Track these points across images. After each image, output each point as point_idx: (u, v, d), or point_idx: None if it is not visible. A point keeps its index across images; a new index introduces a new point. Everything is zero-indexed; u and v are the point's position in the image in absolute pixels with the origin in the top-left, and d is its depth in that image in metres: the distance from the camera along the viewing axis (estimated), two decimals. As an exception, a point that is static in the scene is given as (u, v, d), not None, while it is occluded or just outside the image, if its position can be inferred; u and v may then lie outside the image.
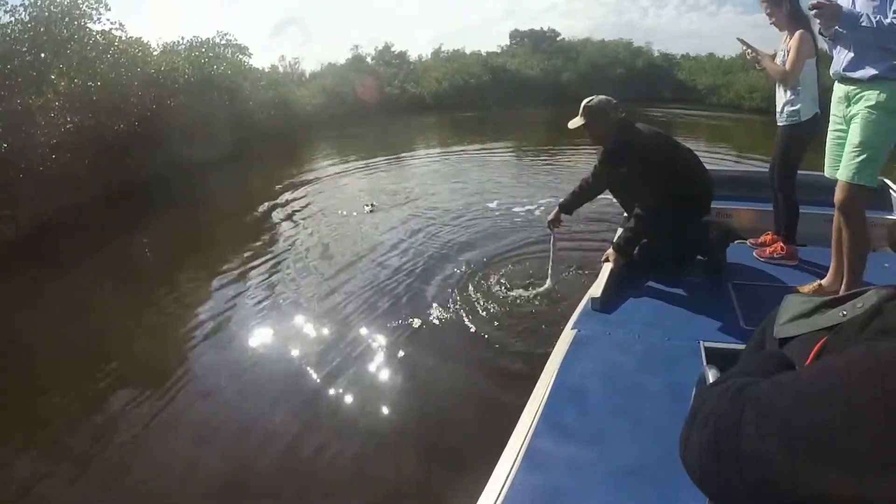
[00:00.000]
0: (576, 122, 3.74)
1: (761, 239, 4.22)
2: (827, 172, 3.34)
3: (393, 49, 33.77)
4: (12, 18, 10.25)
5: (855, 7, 2.85)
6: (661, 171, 3.46)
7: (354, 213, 8.38)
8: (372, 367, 4.19)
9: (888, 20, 2.73)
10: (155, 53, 14.78)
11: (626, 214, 3.97)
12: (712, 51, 34.74)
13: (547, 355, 2.74)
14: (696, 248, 3.80)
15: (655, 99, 29.23)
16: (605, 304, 3.19)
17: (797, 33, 3.73)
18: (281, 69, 28.04)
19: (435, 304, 4.94)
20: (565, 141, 13.90)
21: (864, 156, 2.96)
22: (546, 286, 4.91)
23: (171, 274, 6.50)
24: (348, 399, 3.86)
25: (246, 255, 6.82)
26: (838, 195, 3.10)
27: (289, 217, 8.64)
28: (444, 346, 4.38)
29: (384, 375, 4.10)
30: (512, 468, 1.90)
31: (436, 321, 4.70)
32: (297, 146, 17.61)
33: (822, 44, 3.30)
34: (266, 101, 19.00)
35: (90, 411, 3.94)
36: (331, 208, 8.90)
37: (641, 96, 27.85)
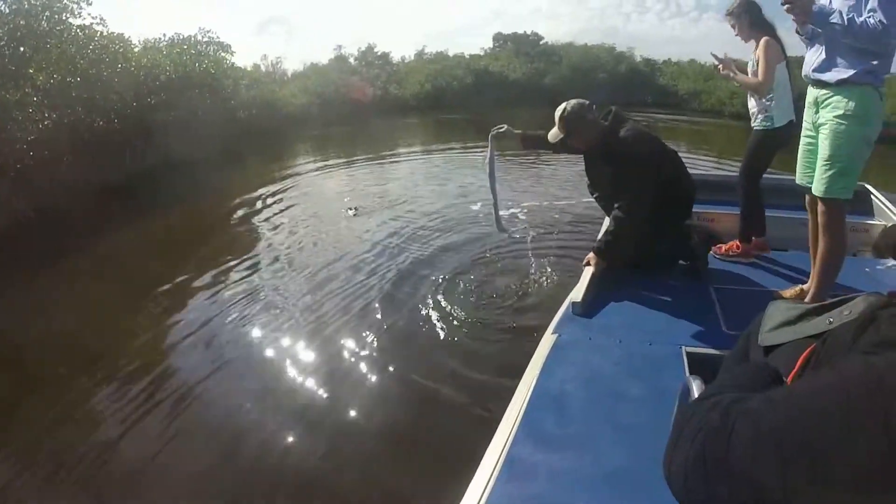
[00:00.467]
0: (556, 135, 3.67)
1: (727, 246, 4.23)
2: (798, 179, 3.33)
3: (376, 50, 33.74)
4: (-8, 11, 10.06)
5: (831, 4, 2.76)
6: (646, 175, 3.41)
7: (337, 217, 8.30)
8: (351, 372, 4.16)
9: (861, 18, 2.64)
10: (136, 50, 14.61)
11: (606, 219, 3.95)
12: (694, 57, 35.00)
13: (527, 360, 2.72)
14: (678, 253, 3.80)
15: (637, 104, 29.40)
16: (586, 308, 3.17)
17: (762, 41, 3.79)
18: (263, 68, 27.88)
19: (417, 308, 4.94)
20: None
21: (835, 169, 2.90)
22: (497, 225, 4.50)
23: (151, 274, 6.39)
24: (322, 404, 3.83)
25: (227, 257, 6.73)
26: (819, 208, 3.05)
27: (271, 220, 8.54)
28: (421, 350, 4.35)
29: (363, 380, 4.07)
30: (491, 476, 1.87)
31: (417, 325, 4.69)
32: (280, 146, 17.49)
33: (800, 49, 3.25)
34: (248, 100, 18.89)
35: (68, 412, 3.87)
36: (314, 211, 8.83)
37: (623, 101, 27.83)
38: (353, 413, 3.70)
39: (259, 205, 9.50)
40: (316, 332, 4.72)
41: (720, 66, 4.06)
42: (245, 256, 6.72)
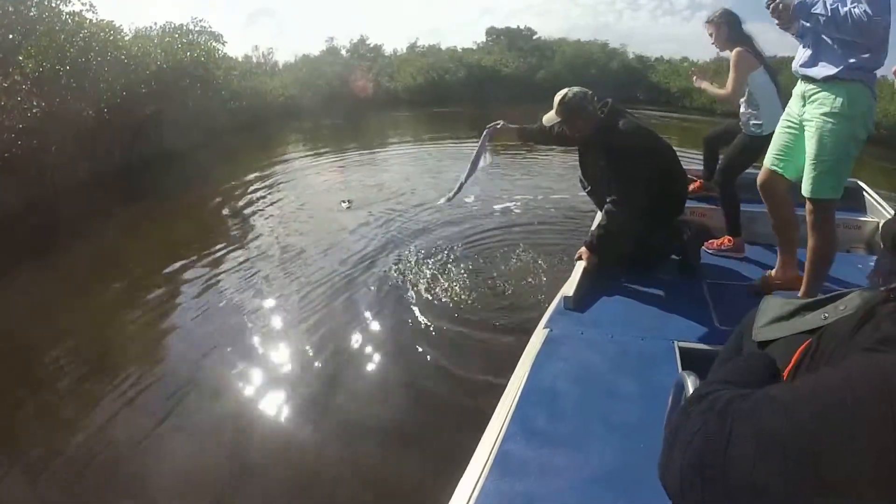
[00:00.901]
0: (551, 119, 3.64)
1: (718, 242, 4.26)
2: (766, 162, 3.36)
3: (368, 42, 33.62)
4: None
5: None
6: (640, 168, 3.41)
7: (331, 210, 8.25)
8: (341, 368, 4.16)
9: (846, 8, 2.61)
10: (127, 38, 14.43)
11: (598, 214, 3.96)
12: (686, 55, 35.02)
13: (518, 355, 2.71)
14: (671, 248, 3.80)
15: (629, 100, 29.31)
16: (578, 303, 3.17)
17: (735, 51, 3.94)
18: (255, 59, 27.73)
19: (408, 302, 4.95)
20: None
21: (823, 168, 2.87)
22: (450, 194, 4.24)
23: (141, 267, 6.36)
24: (313, 399, 3.83)
25: (221, 250, 6.69)
26: (807, 207, 3.02)
27: (263, 212, 8.48)
28: (411, 345, 4.36)
29: (353, 375, 4.07)
30: (481, 473, 1.87)
31: (408, 319, 4.70)
32: (271, 137, 17.42)
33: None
34: (239, 91, 18.77)
35: (53, 407, 3.85)
36: (306, 203, 8.78)
37: (615, 97, 27.82)
38: (342, 409, 3.70)
39: (251, 197, 9.43)
40: (309, 324, 4.73)
41: (694, 78, 4.44)
42: (239, 249, 6.70)
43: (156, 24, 17.64)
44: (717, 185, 4.31)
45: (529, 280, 5.18)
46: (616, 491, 1.80)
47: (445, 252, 6.04)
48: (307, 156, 13.55)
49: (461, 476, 1.87)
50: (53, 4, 11.07)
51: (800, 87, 3.07)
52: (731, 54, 3.99)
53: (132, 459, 3.27)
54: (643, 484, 1.76)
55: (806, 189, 2.98)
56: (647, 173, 3.43)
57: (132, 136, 12.27)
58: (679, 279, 3.64)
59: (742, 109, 4.14)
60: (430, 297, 4.97)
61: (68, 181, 10.00)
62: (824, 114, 2.83)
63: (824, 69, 2.83)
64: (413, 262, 5.79)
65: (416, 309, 4.81)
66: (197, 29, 18.06)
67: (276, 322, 4.83)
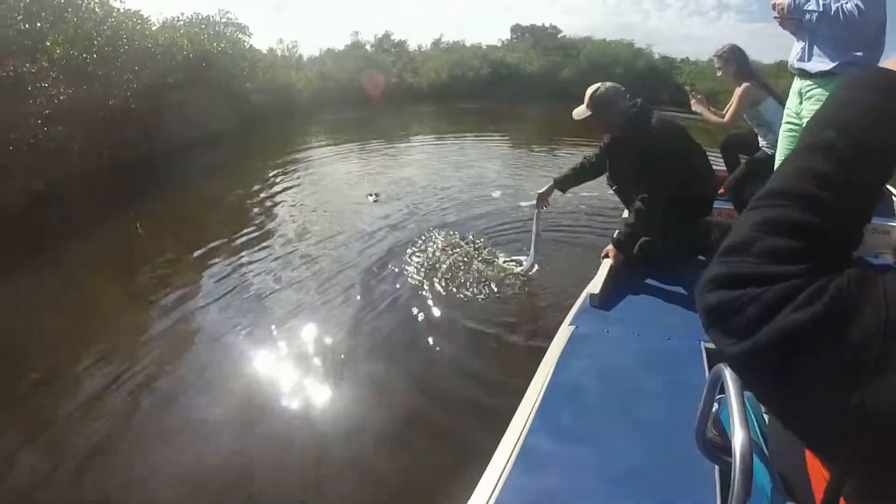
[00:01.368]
0: (582, 113, 3.57)
1: None
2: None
3: (393, 38, 33.72)
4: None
5: None
6: (670, 167, 3.34)
7: (358, 203, 8.15)
8: (363, 362, 4.08)
9: (837, 5, 2.64)
10: (154, 28, 14.56)
11: (625, 211, 3.91)
12: (713, 57, 34.74)
13: (542, 351, 2.67)
14: (697, 248, 3.73)
15: (653, 101, 29.01)
16: (604, 300, 3.12)
17: (742, 86, 4.25)
18: (279, 52, 27.92)
19: (437, 296, 4.84)
20: (566, 137, 13.94)
21: None
22: (525, 266, 4.86)
23: (163, 257, 6.34)
24: (334, 394, 3.76)
25: (244, 243, 6.59)
26: None
27: (289, 204, 8.39)
28: (435, 341, 4.27)
29: (376, 370, 3.99)
30: (505, 468, 1.83)
31: (435, 313, 4.60)
32: (295, 130, 17.48)
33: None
34: (264, 84, 18.87)
35: (66, 398, 3.79)
36: (333, 196, 8.70)
37: (638, 98, 27.78)
38: (362, 405, 3.64)
39: (276, 189, 9.36)
40: (332, 318, 4.65)
41: (693, 100, 4.67)
42: (266, 240, 6.62)
43: (182, 14, 17.81)
44: (728, 192, 4.41)
45: (553, 277, 5.11)
46: (640, 490, 1.76)
47: (472, 245, 5.93)
48: (331, 149, 13.51)
49: (484, 469, 1.84)
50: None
51: (796, 84, 3.13)
52: (738, 89, 4.29)
53: (136, 460, 3.24)
54: (668, 482, 1.75)
55: None
56: (677, 172, 3.36)
57: (157, 124, 12.34)
58: None
59: (760, 137, 4.46)
60: (455, 290, 4.90)
61: (92, 167, 10.08)
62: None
63: (819, 64, 2.90)
64: (439, 255, 5.69)
65: (439, 302, 4.72)
66: (223, 21, 18.22)
67: (298, 319, 4.72)
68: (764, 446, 1.19)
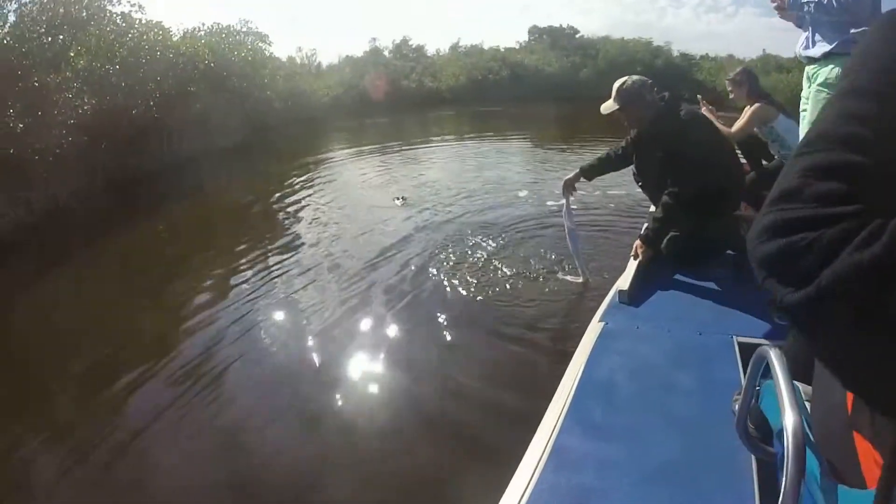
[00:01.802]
0: (609, 107, 3.52)
1: None
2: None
3: (410, 43, 33.86)
4: (30, -1, 10.18)
5: None
6: (699, 160, 3.28)
7: (386, 206, 8.09)
8: (397, 361, 4.04)
9: None
10: (175, 38, 14.73)
11: (652, 207, 3.85)
12: (731, 52, 34.59)
13: (572, 348, 2.63)
14: (726, 243, 3.67)
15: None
16: (633, 297, 3.07)
17: (755, 105, 4.39)
18: (298, 60, 28.17)
19: (468, 296, 4.77)
20: (589, 137, 13.86)
21: None
22: (581, 277, 4.66)
23: (186, 264, 6.36)
24: (366, 393, 3.73)
25: (271, 246, 6.57)
26: None
27: (317, 208, 8.37)
28: (467, 337, 4.22)
29: (407, 367, 3.96)
30: (537, 466, 1.79)
31: (467, 313, 4.53)
32: (317, 136, 17.59)
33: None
34: (284, 91, 19.02)
35: (87, 401, 3.81)
36: (361, 200, 8.67)
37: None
38: (396, 405, 3.61)
39: (304, 193, 9.37)
40: (368, 317, 4.60)
41: (704, 109, 4.72)
42: (290, 246, 6.54)
43: (203, 24, 18.00)
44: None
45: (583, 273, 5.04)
46: (674, 486, 1.71)
47: (500, 244, 5.86)
48: (354, 153, 13.58)
49: (517, 467, 1.81)
50: (102, 4, 11.34)
51: (805, 72, 3.26)
52: (749, 107, 4.45)
53: (149, 464, 3.23)
54: (702, 479, 1.70)
55: None
56: (706, 166, 3.30)
57: (179, 133, 12.47)
58: (735, 274, 3.50)
59: (773, 152, 4.57)
60: (484, 291, 4.85)
61: (115, 176, 10.20)
62: (820, 84, 3.03)
63: (822, 47, 3.01)
64: (468, 255, 5.62)
65: (471, 301, 4.70)
66: (244, 30, 18.39)
67: (326, 324, 4.69)
68: (809, 433, 1.14)
